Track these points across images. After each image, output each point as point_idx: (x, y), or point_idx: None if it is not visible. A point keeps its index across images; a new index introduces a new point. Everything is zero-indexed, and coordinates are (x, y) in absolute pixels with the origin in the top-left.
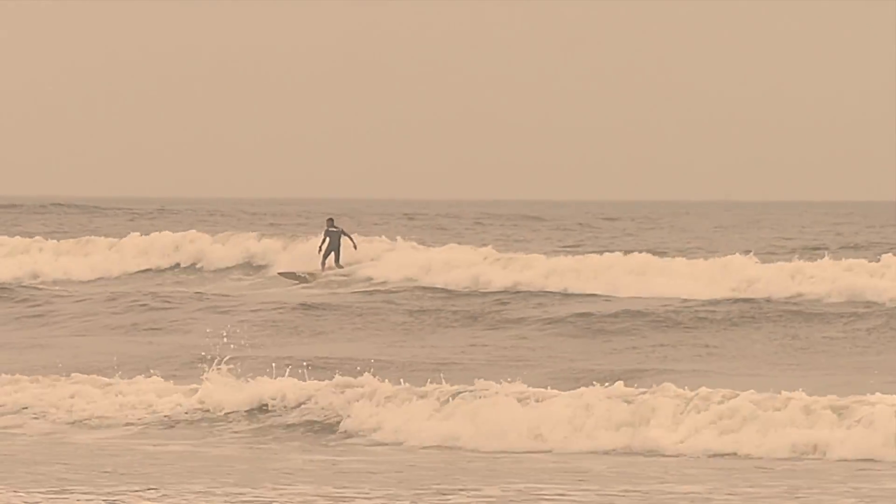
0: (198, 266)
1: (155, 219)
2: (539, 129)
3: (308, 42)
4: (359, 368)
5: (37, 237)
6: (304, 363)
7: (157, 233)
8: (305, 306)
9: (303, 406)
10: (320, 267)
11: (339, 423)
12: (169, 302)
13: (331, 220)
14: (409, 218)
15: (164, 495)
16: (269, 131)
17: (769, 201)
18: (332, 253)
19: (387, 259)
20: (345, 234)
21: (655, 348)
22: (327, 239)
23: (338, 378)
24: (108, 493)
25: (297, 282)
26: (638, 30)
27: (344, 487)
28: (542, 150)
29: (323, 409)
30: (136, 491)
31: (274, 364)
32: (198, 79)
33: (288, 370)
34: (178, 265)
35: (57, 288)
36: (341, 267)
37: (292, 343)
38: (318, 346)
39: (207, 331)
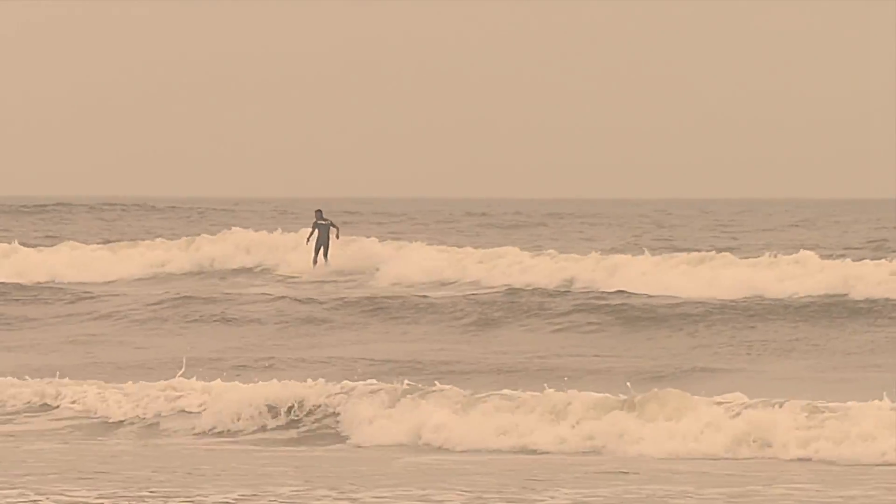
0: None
1: (222, 217)
2: (572, 128)
3: (350, 42)
4: (441, 367)
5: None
6: (380, 363)
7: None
8: (365, 303)
9: (383, 407)
10: (312, 263)
11: (417, 424)
12: (229, 297)
13: (319, 211)
14: (482, 215)
15: (254, 494)
16: (325, 131)
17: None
18: (322, 247)
19: (408, 259)
20: (332, 226)
21: (737, 346)
22: (316, 231)
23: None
24: (198, 494)
25: (295, 277)
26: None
27: (431, 490)
28: (571, 150)
29: (403, 411)
30: (228, 493)
31: (352, 364)
32: (246, 80)
33: (362, 369)
34: (250, 267)
35: (112, 288)
36: (327, 261)
37: (362, 342)
38: (386, 346)
39: (271, 329)
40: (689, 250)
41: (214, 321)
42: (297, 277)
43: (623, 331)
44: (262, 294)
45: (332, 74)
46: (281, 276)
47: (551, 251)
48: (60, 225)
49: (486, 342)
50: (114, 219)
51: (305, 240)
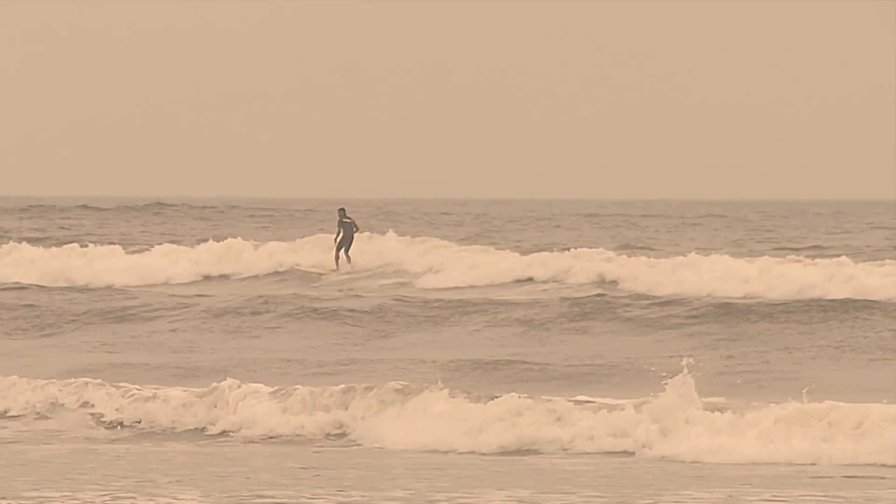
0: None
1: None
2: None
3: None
4: (535, 367)
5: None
6: (484, 362)
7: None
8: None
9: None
10: (334, 262)
11: (537, 429)
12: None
13: (342, 210)
14: (592, 216)
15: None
16: (443, 130)
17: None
18: (345, 246)
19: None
20: (354, 225)
21: (837, 346)
22: (341, 231)
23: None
24: (304, 495)
25: (317, 276)
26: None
27: (548, 493)
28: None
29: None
30: (330, 493)
31: (455, 364)
32: (374, 77)
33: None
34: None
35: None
36: (350, 260)
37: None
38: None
39: (371, 328)
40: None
41: (303, 320)
42: (324, 276)
43: (715, 331)
44: (352, 295)
45: (432, 74)
46: (308, 276)
47: (642, 251)
48: (159, 225)
49: (576, 342)
50: (208, 217)
51: (333, 240)
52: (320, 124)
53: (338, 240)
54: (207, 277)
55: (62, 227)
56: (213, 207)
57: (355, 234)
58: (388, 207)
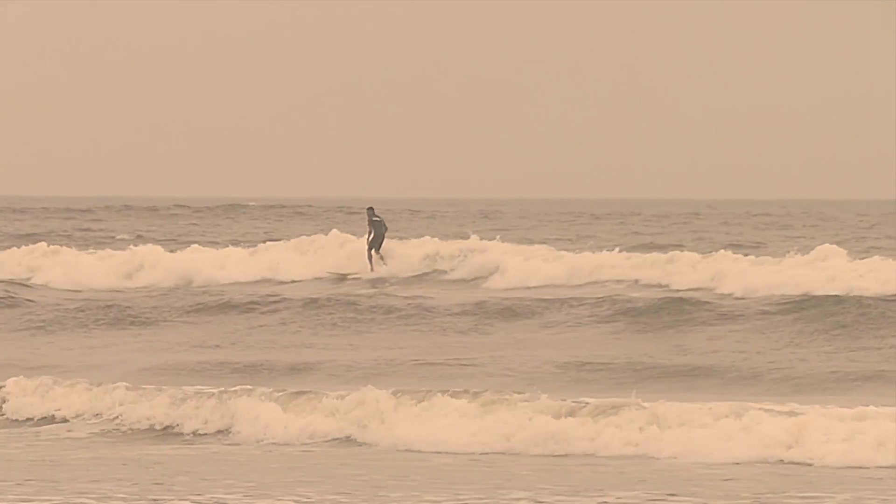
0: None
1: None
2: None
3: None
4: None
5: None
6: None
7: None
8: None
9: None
10: (368, 263)
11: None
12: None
13: (371, 209)
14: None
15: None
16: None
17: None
18: (375, 246)
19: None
20: (384, 224)
21: None
22: (372, 231)
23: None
24: (425, 498)
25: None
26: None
27: (670, 495)
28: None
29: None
30: (452, 495)
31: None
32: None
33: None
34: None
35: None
36: (382, 260)
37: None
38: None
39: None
40: None
41: (401, 316)
42: (357, 276)
43: (826, 327)
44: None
45: (525, 75)
46: (340, 276)
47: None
48: (272, 223)
49: (667, 342)
50: (313, 216)
51: (366, 240)
52: (424, 124)
53: (369, 240)
54: (267, 280)
55: (150, 228)
56: (316, 206)
57: (385, 235)
58: (495, 207)
